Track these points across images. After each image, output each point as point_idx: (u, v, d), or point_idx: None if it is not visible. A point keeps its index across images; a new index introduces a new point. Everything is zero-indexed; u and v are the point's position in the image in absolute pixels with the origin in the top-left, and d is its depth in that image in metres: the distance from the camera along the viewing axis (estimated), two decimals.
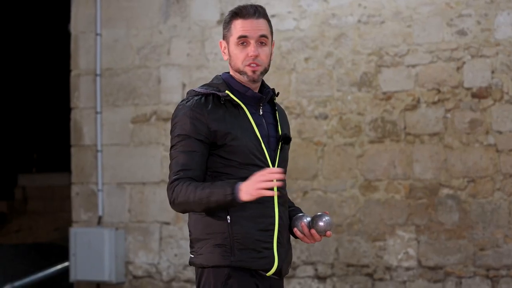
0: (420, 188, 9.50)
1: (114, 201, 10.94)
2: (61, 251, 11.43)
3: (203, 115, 3.76)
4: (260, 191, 3.68)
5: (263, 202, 3.91)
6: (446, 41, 9.46)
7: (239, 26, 3.83)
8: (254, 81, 3.91)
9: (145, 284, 10.70)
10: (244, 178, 3.80)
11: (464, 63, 9.38)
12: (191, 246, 3.98)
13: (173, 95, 10.68)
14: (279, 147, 4.00)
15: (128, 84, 10.93)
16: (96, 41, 11.07)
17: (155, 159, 10.74)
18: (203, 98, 3.81)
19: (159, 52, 10.78)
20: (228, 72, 3.97)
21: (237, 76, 3.90)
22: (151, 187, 10.75)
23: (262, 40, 3.87)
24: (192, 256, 3.95)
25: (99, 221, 10.92)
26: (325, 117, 9.93)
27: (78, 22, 11.28)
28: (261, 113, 3.96)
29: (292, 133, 9.97)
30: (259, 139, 3.89)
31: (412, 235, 9.51)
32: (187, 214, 10.50)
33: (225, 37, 3.91)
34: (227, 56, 3.92)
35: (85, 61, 11.18)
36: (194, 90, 3.90)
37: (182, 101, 3.89)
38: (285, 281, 9.77)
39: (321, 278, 9.80)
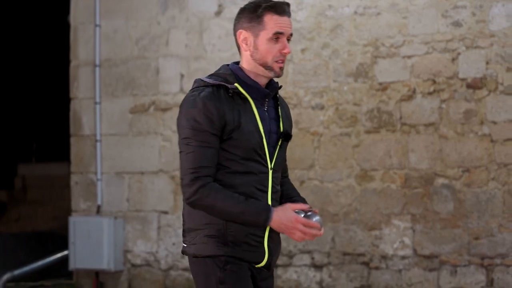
0: (415, 177, 9.47)
1: (113, 191, 10.92)
2: (61, 240, 11.41)
3: (216, 108, 3.63)
4: (291, 235, 3.66)
5: (258, 199, 3.84)
6: (441, 32, 9.41)
7: (275, 22, 3.72)
8: (278, 77, 3.83)
9: (144, 273, 10.68)
10: (242, 173, 3.75)
11: (459, 54, 9.34)
12: (184, 236, 3.90)
13: (171, 86, 10.66)
14: (279, 144, 3.90)
15: (127, 74, 10.89)
16: (95, 32, 11.02)
17: (154, 149, 10.71)
18: (214, 89, 3.69)
19: (158, 43, 10.74)
20: (237, 63, 3.85)
21: (252, 68, 3.78)
22: (149, 177, 10.72)
23: (289, 38, 3.81)
24: (185, 245, 3.88)
25: (98, 210, 10.90)
26: (322, 108, 9.90)
27: (78, 13, 11.24)
28: (265, 108, 3.85)
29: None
30: (262, 136, 3.78)
31: (407, 224, 9.48)
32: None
33: (251, 29, 3.73)
34: (249, 48, 3.75)
35: (84, 52, 11.13)
36: (202, 80, 3.75)
37: (192, 91, 3.72)
38: (282, 270, 9.82)
39: (318, 267, 9.78)
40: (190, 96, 3.68)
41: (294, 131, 9.74)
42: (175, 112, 10.54)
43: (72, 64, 11.23)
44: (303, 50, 9.98)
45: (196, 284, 3.86)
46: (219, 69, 3.82)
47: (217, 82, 3.67)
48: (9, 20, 15.61)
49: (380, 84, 9.65)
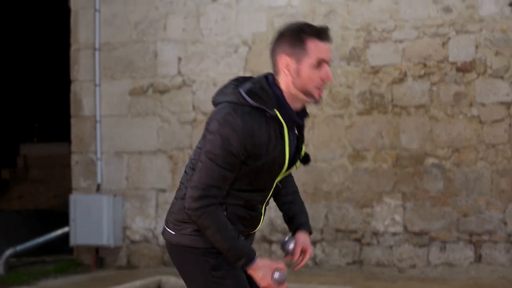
0: (406, 157, 9.27)
1: (112, 170, 10.69)
2: (61, 217, 11.23)
3: (252, 136, 3.31)
4: (259, 283, 3.45)
5: (254, 209, 3.59)
6: (432, 17, 9.19)
7: (318, 48, 3.38)
8: (316, 103, 3.51)
9: (142, 248, 10.47)
10: (251, 190, 3.51)
11: (449, 38, 9.13)
12: (173, 223, 3.58)
13: (169, 69, 10.41)
14: (296, 165, 3.60)
15: (126, 58, 10.63)
16: (95, 17, 10.75)
17: (152, 130, 10.48)
18: (254, 111, 3.34)
19: (156, 27, 10.48)
20: (278, 85, 3.43)
21: (290, 92, 3.42)
22: (147, 156, 10.49)
23: (330, 64, 3.50)
24: (173, 233, 3.57)
25: (98, 188, 10.70)
26: None
27: None
28: (295, 132, 3.52)
29: None
30: (285, 162, 3.47)
31: (398, 202, 9.29)
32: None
33: (293, 55, 3.38)
34: (291, 74, 3.39)
35: (84, 35, 10.86)
36: (243, 97, 3.35)
37: (231, 105, 3.34)
38: (276, 246, 9.56)
39: (311, 243, 9.48)
40: (228, 112, 3.33)
41: None
42: (173, 94, 10.33)
43: (73, 47, 10.95)
44: None
45: (184, 271, 3.60)
46: (260, 86, 3.43)
47: (258, 105, 3.33)
48: (11, 5, 15.24)
49: (372, 67, 9.44)
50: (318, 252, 9.51)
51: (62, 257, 10.95)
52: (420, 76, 9.21)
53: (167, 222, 3.60)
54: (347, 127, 9.49)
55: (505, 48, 8.89)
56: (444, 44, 9.12)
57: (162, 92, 10.42)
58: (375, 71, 9.42)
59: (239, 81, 3.48)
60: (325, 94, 9.60)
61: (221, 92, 3.47)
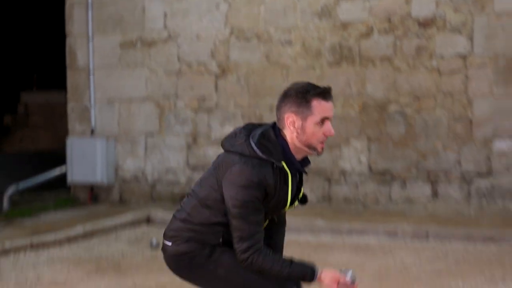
0: (371, 105, 9.19)
1: (104, 116, 10.58)
2: (59, 158, 11.13)
3: (264, 186, 3.28)
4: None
5: None
6: None
7: (323, 108, 3.34)
8: (318, 155, 3.46)
9: (133, 186, 10.40)
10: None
11: None
12: (169, 236, 3.49)
13: (156, 23, 10.23)
14: (294, 205, 3.56)
15: (116, 13, 10.43)
16: None
17: (140, 79, 10.35)
18: (263, 163, 3.30)
19: None
20: (284, 138, 3.38)
21: (295, 145, 3.37)
22: (137, 104, 10.37)
23: (331, 120, 3.46)
24: (170, 244, 3.48)
25: (92, 132, 10.61)
26: (290, 43, 9.53)
27: None
28: (297, 178, 3.49)
29: (261, 57, 9.71)
30: (287, 205, 3.46)
31: (364, 144, 9.23)
32: (170, 126, 10.10)
33: (299, 113, 3.32)
34: (296, 130, 3.35)
35: None
36: (254, 151, 3.32)
37: (243, 160, 3.31)
38: None
39: None
40: (242, 168, 3.31)
41: (265, 64, 9.57)
42: (160, 47, 10.18)
43: (68, 3, 10.76)
44: None
45: (188, 275, 3.51)
46: (268, 138, 3.38)
47: (266, 158, 3.31)
48: None
49: (342, 23, 9.31)
50: None
51: (60, 194, 10.90)
52: (385, 31, 9.08)
53: (165, 237, 3.53)
54: (318, 77, 9.36)
55: (463, 5, 8.77)
56: (407, 1, 8.98)
57: (150, 45, 10.27)
58: (345, 26, 9.27)
59: (248, 129, 3.43)
60: (298, 47, 9.47)
61: (231, 140, 3.42)
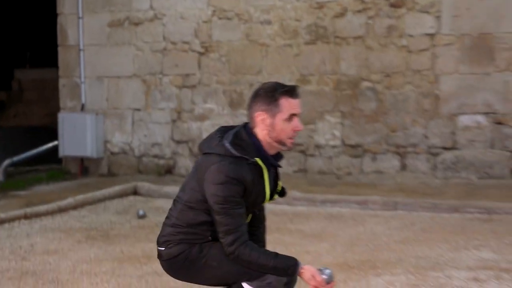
0: (345, 81, 9.15)
1: (94, 92, 10.49)
2: (51, 133, 11.05)
3: (241, 181, 3.28)
4: (311, 286, 3.32)
5: None
6: None
7: (290, 105, 3.33)
8: (289, 150, 3.50)
9: (120, 159, 10.35)
10: None
11: None
12: (162, 242, 3.51)
13: (142, 4, 10.10)
14: (273, 198, 3.57)
15: None
16: None
17: (128, 57, 10.25)
18: (238, 160, 3.30)
19: None
20: (256, 135, 3.38)
21: (267, 141, 3.37)
22: (124, 80, 10.28)
23: (299, 116, 3.45)
24: (163, 249, 3.50)
25: (82, 108, 10.52)
26: (269, 23, 9.45)
27: None
28: (272, 171, 3.49)
29: (241, 36, 9.63)
30: (267, 198, 3.46)
31: (337, 119, 9.19)
32: (156, 102, 10.02)
33: (268, 111, 3.33)
34: (266, 127, 3.35)
35: None
36: (228, 150, 3.33)
37: (219, 159, 3.31)
38: None
39: None
40: (219, 167, 3.31)
41: (245, 42, 9.51)
42: (146, 26, 10.08)
43: None
44: None
45: (184, 274, 3.50)
46: (241, 137, 3.39)
47: (240, 156, 3.32)
48: None
49: (318, 3, 9.24)
50: None
51: (52, 167, 10.84)
52: (358, 11, 9.02)
53: (158, 244, 3.53)
54: (295, 55, 9.32)
55: None
56: None
57: (137, 24, 10.17)
58: (320, 6, 9.20)
59: (222, 131, 3.44)
60: (276, 26, 9.40)
61: (207, 143, 3.42)
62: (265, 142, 3.39)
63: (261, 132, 3.37)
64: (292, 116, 3.34)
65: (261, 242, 3.65)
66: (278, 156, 3.48)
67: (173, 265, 3.47)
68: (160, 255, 3.52)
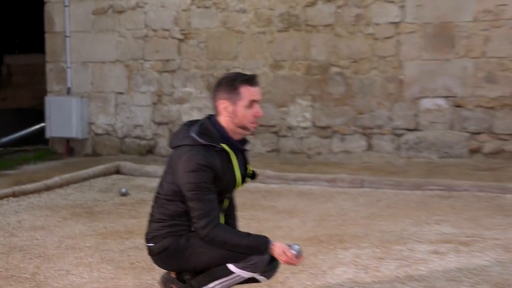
0: (315, 67, 9.09)
1: (79, 76, 10.35)
2: (39, 115, 10.91)
3: (210, 167, 3.26)
4: (282, 260, 3.31)
5: None
6: None
7: (249, 92, 3.34)
8: (252, 135, 3.48)
9: (104, 140, 10.25)
10: None
11: None
12: (150, 238, 3.47)
13: None
14: (245, 181, 3.55)
15: None
16: None
17: (111, 44, 10.12)
18: (206, 148, 3.29)
19: None
20: (219, 123, 3.37)
21: (230, 127, 3.36)
22: (108, 65, 10.15)
23: (260, 103, 3.43)
24: (153, 245, 3.46)
25: (68, 91, 10.39)
26: (244, 11, 9.37)
27: None
28: (240, 156, 3.48)
29: (218, 24, 9.54)
30: (238, 182, 3.44)
31: (308, 102, 9.15)
32: (138, 86, 9.92)
33: (229, 99, 3.33)
34: (229, 114, 3.35)
35: None
36: (196, 140, 3.31)
37: (189, 148, 3.29)
38: None
39: None
40: (189, 153, 3.29)
41: (222, 29, 9.42)
42: (128, 14, 9.95)
43: None
44: None
45: (175, 265, 3.47)
46: (205, 127, 3.38)
47: (208, 143, 3.31)
48: None
49: None
50: None
51: (40, 147, 10.71)
52: (328, 1, 8.97)
53: (146, 241, 3.48)
54: (268, 42, 9.25)
55: None
56: None
57: (120, 12, 10.04)
58: None
59: (188, 125, 3.42)
60: (251, 15, 9.32)
61: (176, 137, 3.41)
62: (229, 129, 3.38)
63: (224, 119, 3.37)
64: (252, 102, 3.34)
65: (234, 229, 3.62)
66: (244, 141, 3.47)
67: (163, 258, 3.44)
68: (150, 251, 3.48)
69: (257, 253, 3.29)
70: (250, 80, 3.36)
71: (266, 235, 3.33)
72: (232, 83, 3.35)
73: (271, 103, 9.27)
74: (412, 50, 8.68)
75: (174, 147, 3.39)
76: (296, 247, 3.30)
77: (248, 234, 3.32)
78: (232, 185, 3.41)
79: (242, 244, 3.27)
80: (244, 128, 3.37)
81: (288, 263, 3.29)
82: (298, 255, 3.28)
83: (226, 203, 3.49)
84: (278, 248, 3.28)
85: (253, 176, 3.55)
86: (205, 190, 3.26)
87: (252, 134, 3.43)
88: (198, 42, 9.60)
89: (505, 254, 4.80)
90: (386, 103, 8.83)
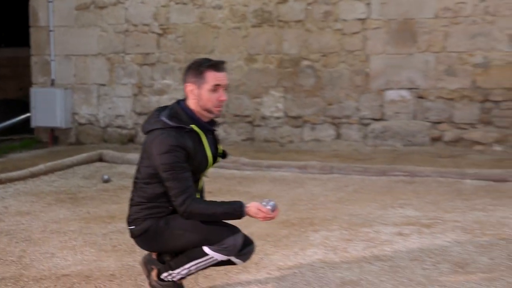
0: (287, 60, 9.05)
1: (63, 68, 10.19)
2: (24, 105, 10.74)
3: (182, 147, 3.24)
4: (260, 218, 3.28)
5: None
6: None
7: (214, 77, 3.31)
8: (217, 117, 3.45)
9: (87, 129, 10.12)
10: None
11: None
12: (131, 221, 3.43)
13: None
14: (217, 161, 3.54)
15: None
16: None
17: (93, 37, 9.98)
18: (176, 130, 3.27)
19: None
20: (188, 106, 3.36)
21: (198, 110, 3.35)
22: (90, 58, 10.02)
23: (225, 88, 3.40)
24: (134, 227, 3.42)
25: (52, 83, 10.23)
26: (220, 7, 9.28)
27: None
28: (210, 136, 3.47)
29: (195, 20, 9.45)
30: (210, 161, 3.41)
31: (281, 94, 9.12)
32: (119, 78, 9.79)
33: (195, 83, 3.32)
34: (195, 97, 3.34)
35: None
36: (166, 123, 3.29)
37: (160, 131, 3.28)
38: None
39: None
40: (161, 136, 3.27)
41: (199, 25, 9.34)
42: (110, 9, 9.82)
43: None
44: None
45: (157, 245, 3.43)
46: (175, 111, 3.36)
47: (178, 125, 3.29)
48: None
49: None
50: (220, 132, 9.34)
51: (25, 136, 10.54)
52: None
53: (128, 224, 3.44)
54: (243, 37, 9.19)
55: None
56: None
57: (102, 7, 9.89)
58: None
59: (159, 110, 3.39)
60: (227, 11, 9.24)
61: (147, 122, 3.38)
62: (196, 111, 3.36)
63: (192, 102, 3.36)
64: (216, 86, 3.32)
65: None
66: (213, 122, 3.45)
67: (144, 240, 3.41)
68: (132, 234, 3.44)
69: (235, 217, 3.26)
70: (216, 65, 3.34)
71: (239, 200, 3.32)
72: (199, 67, 3.33)
73: (245, 94, 9.22)
74: (378, 44, 8.68)
75: (147, 132, 3.36)
76: (271, 202, 3.29)
77: (222, 202, 3.31)
78: (205, 164, 3.38)
79: (218, 212, 3.25)
80: (209, 111, 3.36)
81: (266, 218, 3.27)
82: (273, 209, 3.27)
83: (201, 183, 3.45)
84: (253, 208, 3.26)
85: (223, 155, 3.54)
86: (180, 169, 3.24)
87: (217, 116, 3.40)
88: (176, 37, 9.50)
89: (464, 235, 4.82)
90: (353, 94, 8.83)
